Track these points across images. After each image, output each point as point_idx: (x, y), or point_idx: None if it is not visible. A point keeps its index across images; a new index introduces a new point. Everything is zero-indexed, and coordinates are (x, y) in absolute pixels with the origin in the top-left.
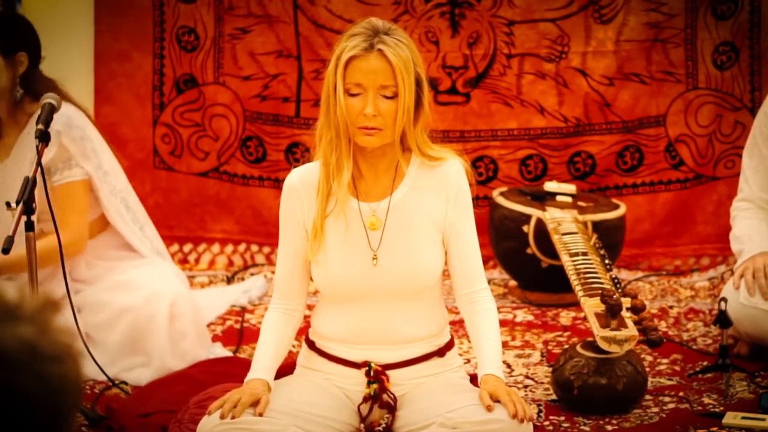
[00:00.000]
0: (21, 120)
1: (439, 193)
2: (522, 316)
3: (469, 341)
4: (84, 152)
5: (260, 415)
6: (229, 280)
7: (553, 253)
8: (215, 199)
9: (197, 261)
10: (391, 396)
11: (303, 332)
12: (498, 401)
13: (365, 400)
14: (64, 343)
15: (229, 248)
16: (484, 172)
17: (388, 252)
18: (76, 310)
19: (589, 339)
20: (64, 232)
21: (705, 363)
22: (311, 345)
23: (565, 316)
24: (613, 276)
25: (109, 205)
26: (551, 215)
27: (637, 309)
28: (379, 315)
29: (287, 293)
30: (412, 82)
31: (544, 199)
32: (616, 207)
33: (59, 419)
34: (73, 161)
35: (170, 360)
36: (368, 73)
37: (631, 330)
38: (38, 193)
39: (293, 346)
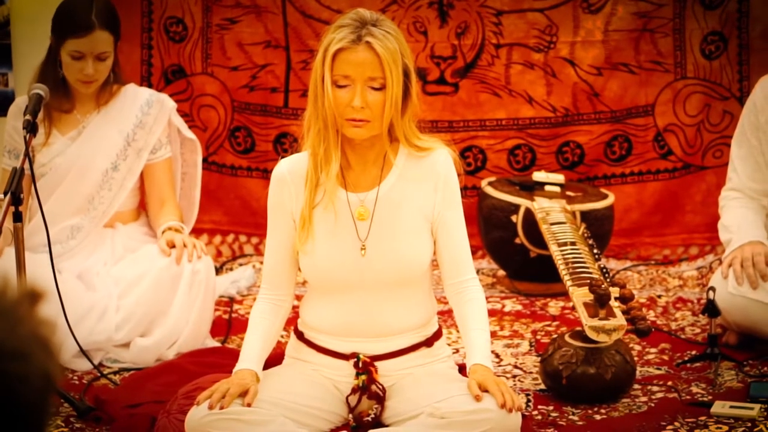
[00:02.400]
0: (101, 98)
1: (427, 183)
2: (510, 305)
3: (458, 331)
4: (176, 130)
5: (249, 405)
6: (218, 271)
7: (541, 243)
8: (204, 189)
9: None
10: (380, 387)
11: (292, 322)
12: (486, 391)
13: (354, 391)
14: (35, 338)
15: (218, 239)
16: (472, 162)
17: (376, 242)
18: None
19: (578, 328)
20: (176, 205)
21: (693, 352)
22: (300, 335)
23: (554, 306)
24: (602, 266)
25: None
26: (540, 205)
27: (625, 298)
28: (367, 305)
29: (276, 283)
30: (400, 73)
31: (532, 188)
32: (605, 197)
33: (22, 417)
34: (168, 138)
35: (184, 316)
36: (356, 66)
37: (620, 319)
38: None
39: (282, 337)
